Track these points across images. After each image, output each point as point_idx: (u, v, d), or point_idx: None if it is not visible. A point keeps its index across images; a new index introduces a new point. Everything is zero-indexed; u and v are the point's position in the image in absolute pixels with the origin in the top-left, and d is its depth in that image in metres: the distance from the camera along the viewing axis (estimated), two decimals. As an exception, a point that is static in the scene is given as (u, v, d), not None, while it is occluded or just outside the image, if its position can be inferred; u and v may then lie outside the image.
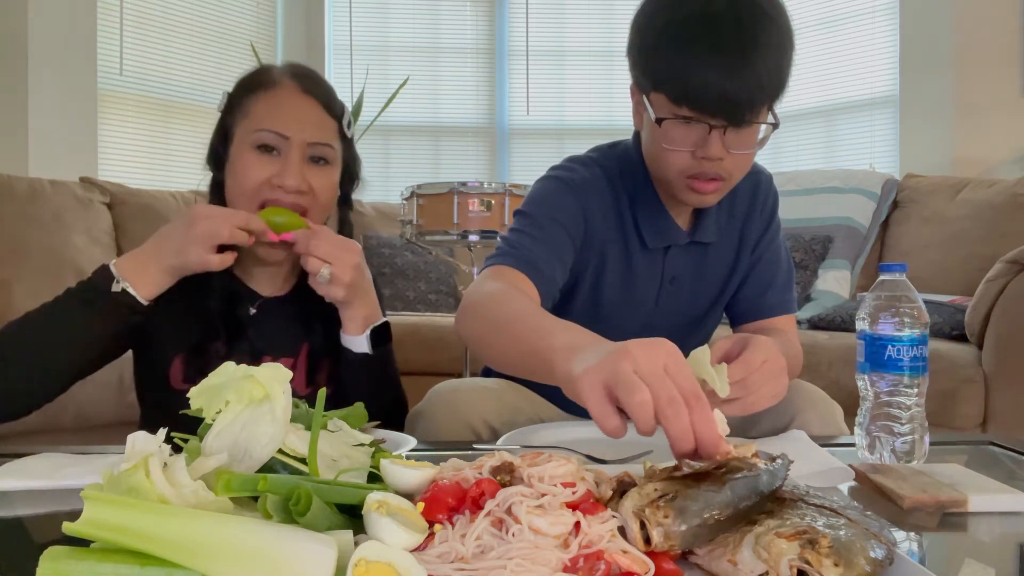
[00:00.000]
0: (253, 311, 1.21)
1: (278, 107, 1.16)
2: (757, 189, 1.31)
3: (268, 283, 1.24)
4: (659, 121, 1.09)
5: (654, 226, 1.23)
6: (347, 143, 1.24)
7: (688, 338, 1.01)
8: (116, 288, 1.06)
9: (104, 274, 1.07)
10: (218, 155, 1.20)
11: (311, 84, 1.19)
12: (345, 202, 1.28)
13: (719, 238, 1.28)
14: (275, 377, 0.64)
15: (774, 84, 1.06)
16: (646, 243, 1.23)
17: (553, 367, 0.79)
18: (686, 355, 0.94)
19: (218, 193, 1.21)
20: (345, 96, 3.85)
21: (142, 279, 1.07)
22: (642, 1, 1.13)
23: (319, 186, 1.16)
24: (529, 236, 1.16)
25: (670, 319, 1.27)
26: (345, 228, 1.27)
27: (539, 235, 1.16)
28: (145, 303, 1.08)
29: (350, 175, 1.26)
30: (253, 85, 1.19)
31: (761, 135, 1.11)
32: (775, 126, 1.10)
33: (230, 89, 1.22)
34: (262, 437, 0.62)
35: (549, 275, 1.14)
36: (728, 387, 0.86)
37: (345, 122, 1.22)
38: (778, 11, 1.07)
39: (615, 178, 1.24)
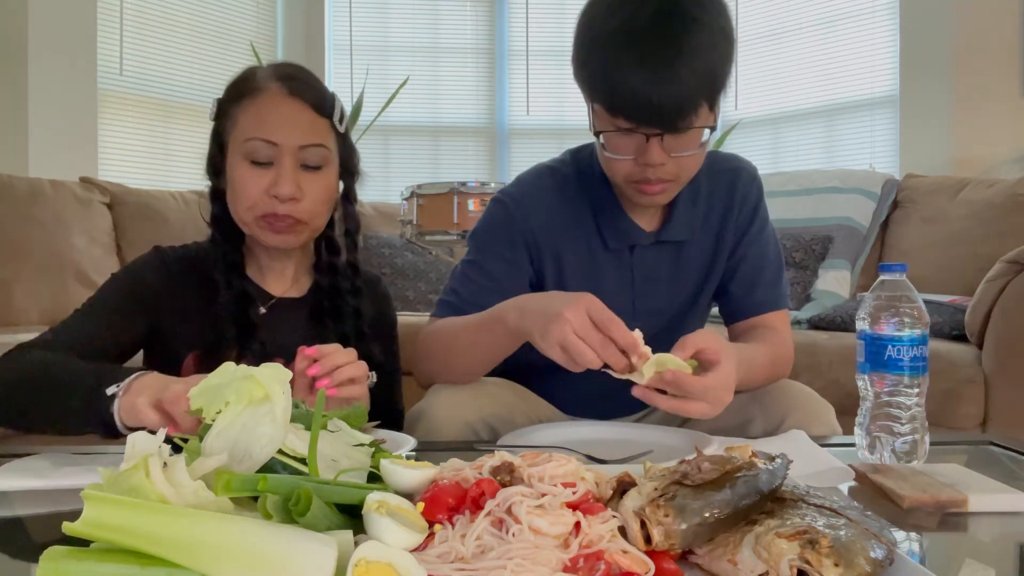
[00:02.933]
0: (263, 311, 1.20)
1: (265, 115, 1.14)
2: (735, 187, 1.28)
3: (279, 282, 1.24)
4: (598, 134, 1.13)
5: (613, 227, 1.24)
6: (342, 137, 1.21)
7: (672, 337, 1.00)
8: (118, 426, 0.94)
9: (107, 404, 0.93)
10: (216, 164, 1.19)
11: (297, 85, 1.16)
12: (347, 197, 1.26)
13: (693, 236, 1.27)
14: (275, 377, 0.64)
15: (705, 87, 1.06)
16: (607, 243, 1.24)
17: (507, 324, 1.04)
18: (666, 350, 0.95)
19: (219, 201, 1.20)
20: (345, 96, 3.87)
21: (131, 418, 0.93)
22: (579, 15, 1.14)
23: (312, 190, 1.15)
24: (475, 285, 1.22)
25: (651, 319, 1.23)
26: (350, 222, 1.25)
27: (485, 282, 1.22)
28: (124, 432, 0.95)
29: (349, 170, 1.24)
30: (239, 92, 1.17)
31: (705, 136, 1.11)
32: (712, 129, 1.11)
33: (221, 95, 1.20)
34: (262, 437, 0.62)
35: None
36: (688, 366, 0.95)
37: (337, 116, 1.19)
38: (707, 13, 1.06)
39: (572, 182, 1.26)
